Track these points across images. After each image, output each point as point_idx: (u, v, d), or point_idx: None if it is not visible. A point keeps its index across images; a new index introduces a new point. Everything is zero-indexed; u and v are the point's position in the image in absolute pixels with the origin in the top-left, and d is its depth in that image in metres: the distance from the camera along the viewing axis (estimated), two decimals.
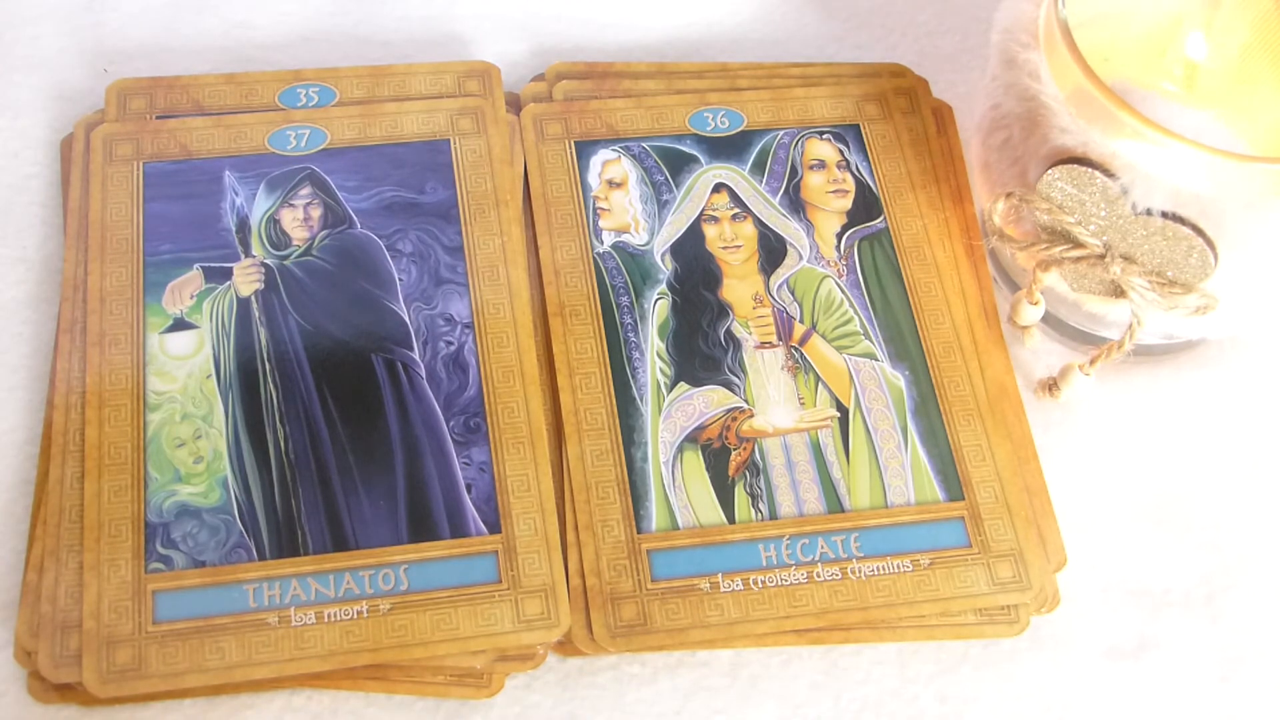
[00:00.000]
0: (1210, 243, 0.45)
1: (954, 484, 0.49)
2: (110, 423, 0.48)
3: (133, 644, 0.44)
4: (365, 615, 0.45)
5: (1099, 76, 0.45)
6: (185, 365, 0.49)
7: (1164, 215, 0.45)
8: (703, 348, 0.51)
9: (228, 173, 0.53)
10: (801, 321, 0.52)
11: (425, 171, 0.53)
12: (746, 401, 0.50)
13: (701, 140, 0.55)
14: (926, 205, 0.54)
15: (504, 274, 0.51)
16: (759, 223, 0.54)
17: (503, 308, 0.51)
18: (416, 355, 0.50)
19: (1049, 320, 0.53)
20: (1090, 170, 0.46)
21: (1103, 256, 0.47)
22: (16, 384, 0.50)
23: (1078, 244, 0.48)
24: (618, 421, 0.49)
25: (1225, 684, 0.48)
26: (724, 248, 0.53)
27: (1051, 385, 0.52)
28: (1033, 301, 0.50)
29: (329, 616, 0.45)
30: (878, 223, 0.54)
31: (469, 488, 0.48)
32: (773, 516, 0.48)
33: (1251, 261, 0.46)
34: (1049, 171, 0.46)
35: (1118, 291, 0.48)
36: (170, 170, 0.52)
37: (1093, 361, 0.50)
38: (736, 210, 0.54)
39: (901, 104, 0.57)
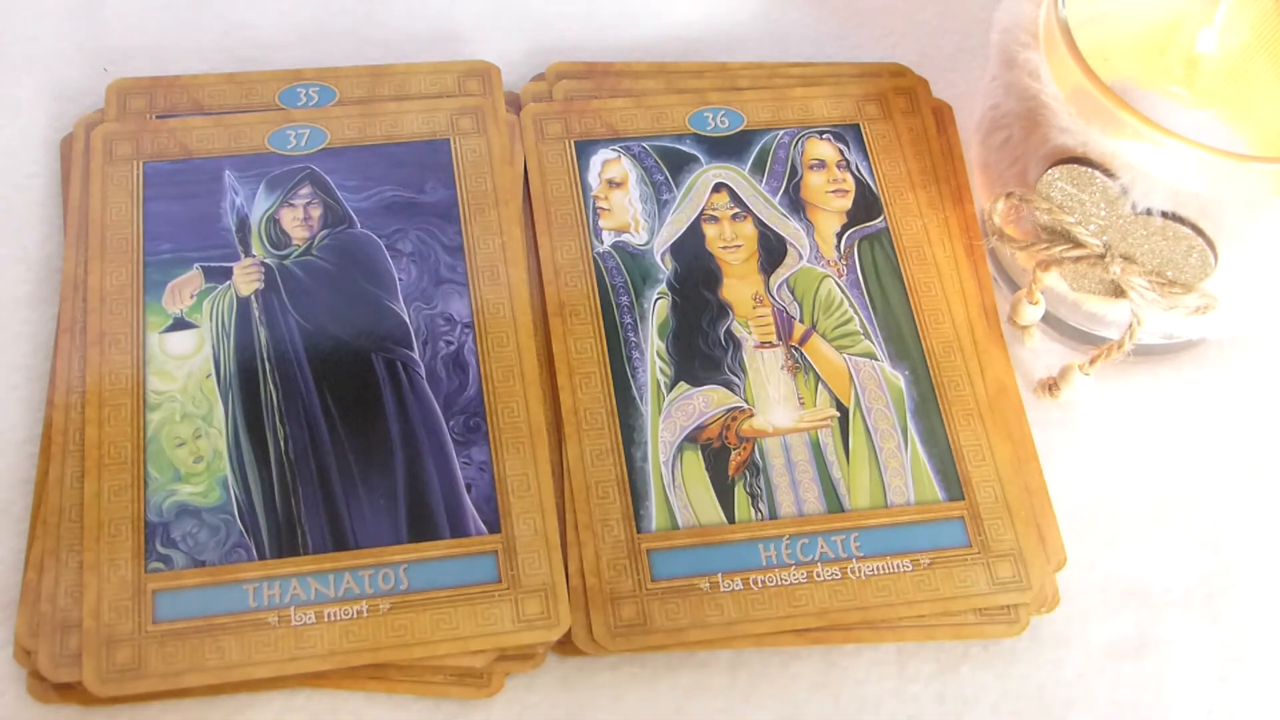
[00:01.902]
0: (1210, 243, 0.45)
1: (954, 484, 0.49)
2: (110, 422, 0.48)
3: (132, 643, 0.44)
4: (365, 615, 0.45)
5: (1099, 76, 0.45)
6: (185, 365, 0.49)
7: (1164, 215, 0.45)
8: (702, 347, 0.51)
9: (228, 172, 0.53)
10: (801, 321, 0.52)
11: (425, 171, 0.53)
12: (746, 401, 0.50)
13: (701, 140, 0.55)
14: (926, 205, 0.54)
15: (504, 274, 0.51)
16: (759, 222, 0.54)
17: (503, 307, 0.51)
18: (416, 355, 0.50)
19: (1049, 320, 0.53)
20: (1090, 170, 0.46)
21: (1103, 256, 0.47)
22: (17, 383, 0.50)
23: (1078, 244, 0.48)
24: (617, 421, 0.49)
25: (1225, 684, 0.48)
26: (724, 247, 0.53)
27: (1051, 385, 0.52)
28: (1033, 301, 0.50)
29: (329, 616, 0.45)
30: (878, 222, 0.54)
31: (469, 487, 0.48)
32: (772, 516, 0.48)
33: (1251, 261, 0.46)
34: (1049, 171, 0.46)
35: (1118, 291, 0.48)
36: (170, 170, 0.52)
37: (1093, 361, 0.50)
38: (736, 210, 0.54)
39: (901, 104, 0.57)
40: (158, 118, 0.54)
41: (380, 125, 0.54)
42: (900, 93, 0.57)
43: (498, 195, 0.53)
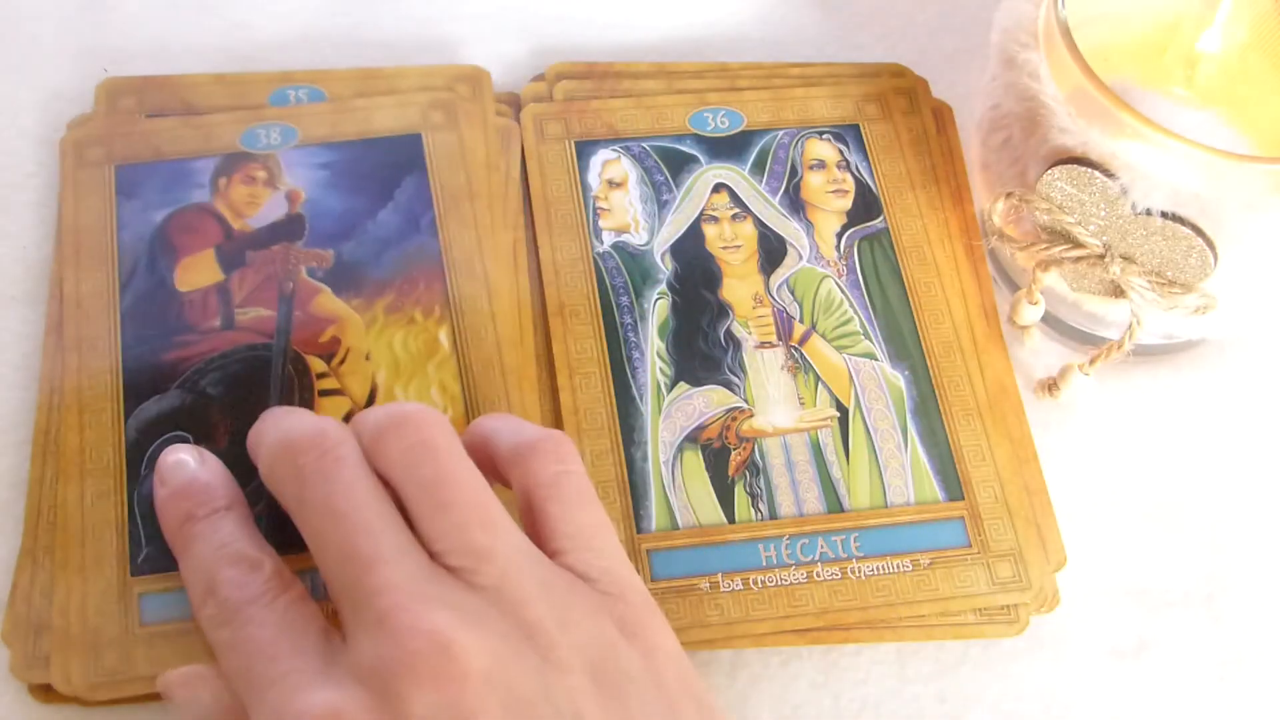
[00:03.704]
0: (1210, 243, 0.45)
1: (954, 484, 0.49)
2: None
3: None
4: None
5: (1099, 76, 0.45)
6: None
7: (1164, 215, 0.45)
8: (702, 348, 0.51)
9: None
10: (801, 321, 0.52)
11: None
12: (746, 401, 0.50)
13: (701, 140, 0.55)
14: (926, 205, 0.54)
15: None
16: (759, 222, 0.54)
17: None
18: None
19: (1049, 320, 0.53)
20: (1090, 170, 0.46)
21: (1102, 256, 0.47)
22: (15, 383, 0.50)
23: (1077, 244, 0.48)
24: (617, 421, 0.49)
25: (1225, 684, 0.48)
26: (724, 247, 0.53)
27: (1051, 385, 0.52)
28: (1033, 301, 0.50)
29: None
30: (877, 223, 0.54)
31: None
32: (772, 516, 0.48)
33: (1251, 261, 0.47)
34: (1049, 171, 0.47)
35: (1118, 291, 0.48)
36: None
37: (1092, 361, 0.51)
38: (736, 210, 0.54)
39: (901, 104, 0.57)
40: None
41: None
42: (900, 93, 0.57)
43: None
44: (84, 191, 0.52)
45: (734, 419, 0.50)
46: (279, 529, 0.46)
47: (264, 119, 0.54)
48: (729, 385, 0.50)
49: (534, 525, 0.41)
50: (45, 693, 0.44)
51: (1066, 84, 0.46)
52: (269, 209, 0.52)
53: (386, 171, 0.53)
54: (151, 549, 0.45)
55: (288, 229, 0.52)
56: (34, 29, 0.57)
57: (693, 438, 0.49)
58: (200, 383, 0.48)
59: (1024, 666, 0.48)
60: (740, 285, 0.52)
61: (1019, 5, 0.49)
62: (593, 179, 0.54)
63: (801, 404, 0.50)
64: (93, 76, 0.56)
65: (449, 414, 0.48)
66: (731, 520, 0.48)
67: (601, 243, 0.53)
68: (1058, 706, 0.47)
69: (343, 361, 0.49)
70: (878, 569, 0.47)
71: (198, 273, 0.50)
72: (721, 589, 0.47)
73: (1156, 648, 0.48)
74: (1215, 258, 0.45)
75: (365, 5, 0.60)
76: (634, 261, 0.52)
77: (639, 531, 0.47)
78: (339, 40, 0.59)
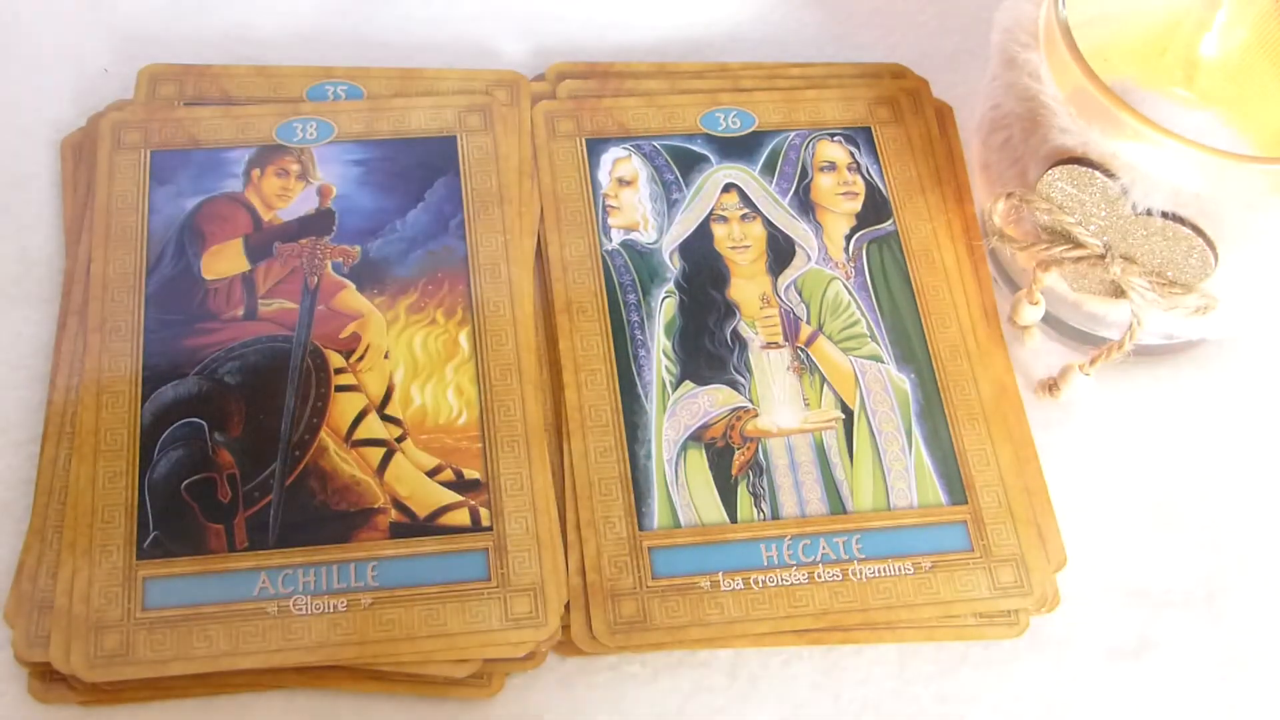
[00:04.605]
0: (1210, 243, 0.45)
1: (957, 487, 0.49)
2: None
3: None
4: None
5: (1099, 76, 0.45)
6: None
7: (1164, 215, 0.45)
8: (709, 347, 0.51)
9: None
10: (808, 323, 0.52)
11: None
12: (751, 401, 0.50)
13: (712, 140, 0.55)
14: (934, 208, 0.54)
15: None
16: (768, 223, 0.54)
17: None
18: None
19: (1049, 320, 0.53)
20: (1090, 170, 0.46)
21: (1103, 256, 0.47)
22: (17, 383, 0.50)
23: (1078, 244, 0.48)
24: (622, 419, 0.49)
25: (1226, 684, 0.48)
26: (732, 247, 0.53)
27: (1051, 385, 0.52)
28: (1033, 301, 0.50)
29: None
30: (886, 225, 0.54)
31: None
32: (775, 516, 0.48)
33: (1251, 261, 0.47)
34: (1049, 171, 0.47)
35: (1118, 291, 0.48)
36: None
37: (1093, 361, 0.51)
38: (746, 210, 0.54)
39: (908, 105, 0.57)
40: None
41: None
42: (905, 94, 0.57)
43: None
44: (118, 175, 0.52)
45: (738, 419, 0.50)
46: (291, 525, 0.46)
47: (301, 113, 0.54)
48: (734, 385, 0.50)
49: None
50: (45, 679, 0.44)
51: (1067, 84, 0.47)
52: (300, 202, 0.52)
53: (419, 172, 0.53)
54: (160, 533, 0.46)
55: (317, 223, 0.52)
56: (34, 30, 0.57)
57: (697, 436, 0.49)
58: (219, 371, 0.48)
59: (1024, 667, 0.48)
60: (748, 285, 0.52)
61: (1019, 5, 0.49)
62: (603, 176, 0.54)
63: (806, 405, 0.50)
64: (93, 78, 0.56)
65: (463, 418, 0.49)
66: (734, 520, 0.48)
67: (610, 240, 0.53)
68: (1058, 707, 0.47)
69: (361, 358, 0.49)
70: (879, 571, 0.47)
71: (224, 261, 0.51)
72: (722, 588, 0.47)
73: (1157, 648, 0.48)
74: (1215, 258, 0.45)
75: (364, 6, 0.60)
76: (642, 260, 0.52)
77: (641, 529, 0.47)
78: (338, 40, 0.59)
